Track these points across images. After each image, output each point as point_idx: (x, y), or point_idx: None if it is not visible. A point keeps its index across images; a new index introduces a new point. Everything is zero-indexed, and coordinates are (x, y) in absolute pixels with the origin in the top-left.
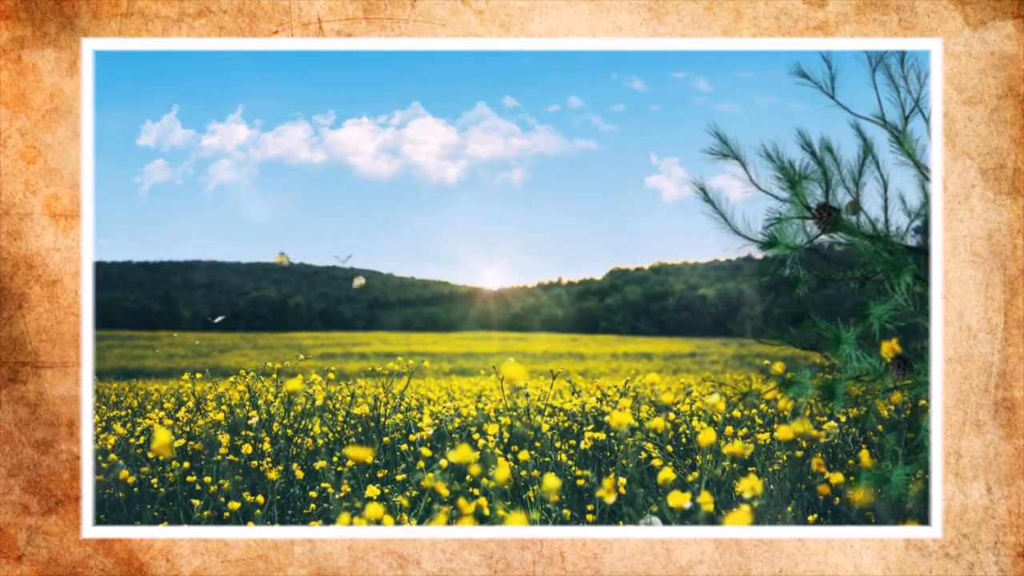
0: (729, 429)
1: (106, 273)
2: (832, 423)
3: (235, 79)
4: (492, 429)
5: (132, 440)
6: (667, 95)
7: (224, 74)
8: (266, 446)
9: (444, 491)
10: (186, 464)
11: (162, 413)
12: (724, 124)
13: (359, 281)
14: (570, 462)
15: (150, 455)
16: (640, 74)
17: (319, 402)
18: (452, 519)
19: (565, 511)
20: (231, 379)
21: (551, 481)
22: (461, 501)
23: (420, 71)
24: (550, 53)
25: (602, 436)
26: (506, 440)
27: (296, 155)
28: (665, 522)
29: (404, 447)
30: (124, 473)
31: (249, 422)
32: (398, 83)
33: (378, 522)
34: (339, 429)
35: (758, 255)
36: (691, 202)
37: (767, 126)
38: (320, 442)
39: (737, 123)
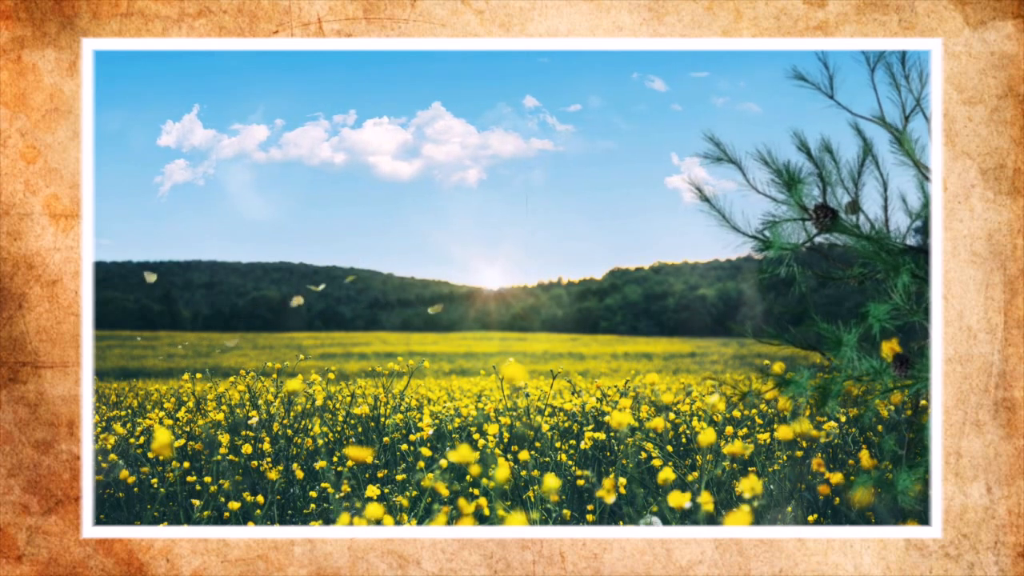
0: (729, 429)
1: (106, 273)
2: (832, 423)
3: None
4: (492, 429)
5: (132, 440)
6: (686, 95)
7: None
8: (266, 446)
9: (444, 491)
10: (186, 464)
11: (162, 413)
12: (720, 126)
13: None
14: (570, 462)
15: (150, 455)
16: (658, 73)
17: (319, 402)
18: (452, 519)
19: (565, 511)
20: (231, 379)
21: (551, 481)
22: (461, 501)
23: (440, 71)
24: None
25: (602, 436)
26: (506, 440)
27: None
28: (665, 522)
29: (404, 447)
30: (124, 473)
31: (249, 422)
32: (416, 82)
33: (378, 522)
34: (339, 429)
35: (758, 255)
36: (694, 201)
37: (763, 127)
38: (320, 442)
39: (730, 125)
